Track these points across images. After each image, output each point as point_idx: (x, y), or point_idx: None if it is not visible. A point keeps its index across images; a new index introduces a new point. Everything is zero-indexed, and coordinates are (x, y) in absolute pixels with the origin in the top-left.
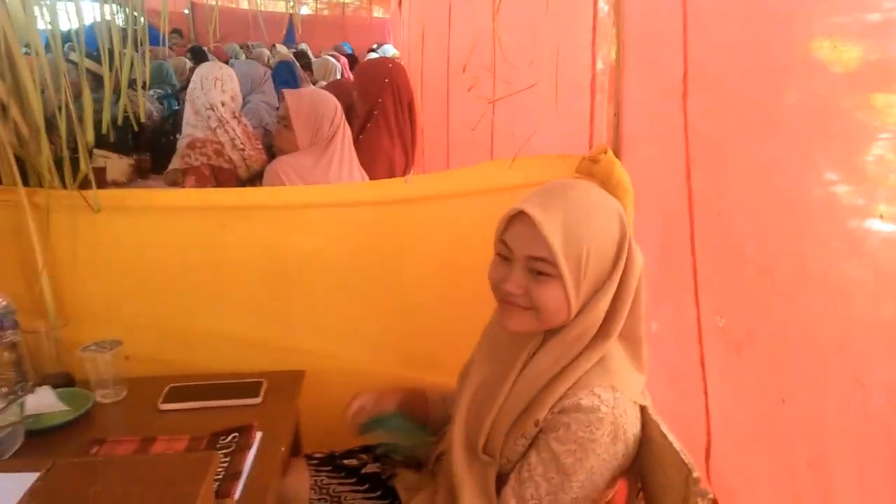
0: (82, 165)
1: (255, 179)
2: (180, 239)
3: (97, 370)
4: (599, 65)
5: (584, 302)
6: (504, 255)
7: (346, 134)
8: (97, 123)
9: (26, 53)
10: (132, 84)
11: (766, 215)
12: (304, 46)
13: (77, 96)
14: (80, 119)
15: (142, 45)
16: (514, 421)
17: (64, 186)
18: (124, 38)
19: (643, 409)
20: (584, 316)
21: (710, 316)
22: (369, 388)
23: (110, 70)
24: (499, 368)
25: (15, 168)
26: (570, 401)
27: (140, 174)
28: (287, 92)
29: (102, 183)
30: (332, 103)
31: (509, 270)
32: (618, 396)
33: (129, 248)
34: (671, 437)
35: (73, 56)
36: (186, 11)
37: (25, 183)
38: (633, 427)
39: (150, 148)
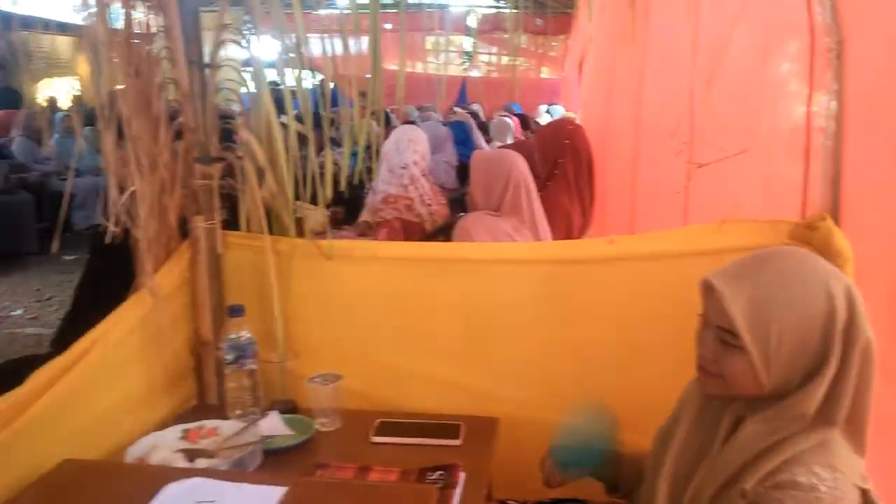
0: (320, 217)
1: (438, 233)
2: (395, 286)
3: (319, 400)
4: (813, 125)
5: (787, 378)
6: (704, 319)
7: (530, 193)
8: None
9: None
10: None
11: None
12: (476, 107)
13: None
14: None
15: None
16: (719, 488)
17: (300, 236)
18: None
19: (864, 493)
20: (798, 398)
21: None
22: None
23: (317, 131)
24: (702, 433)
25: (265, 220)
26: (785, 476)
27: (334, 225)
28: (475, 153)
29: (302, 232)
30: (512, 163)
31: (705, 335)
32: (838, 477)
33: (351, 292)
34: None
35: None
36: (368, 76)
37: (269, 231)
38: None
39: (340, 201)
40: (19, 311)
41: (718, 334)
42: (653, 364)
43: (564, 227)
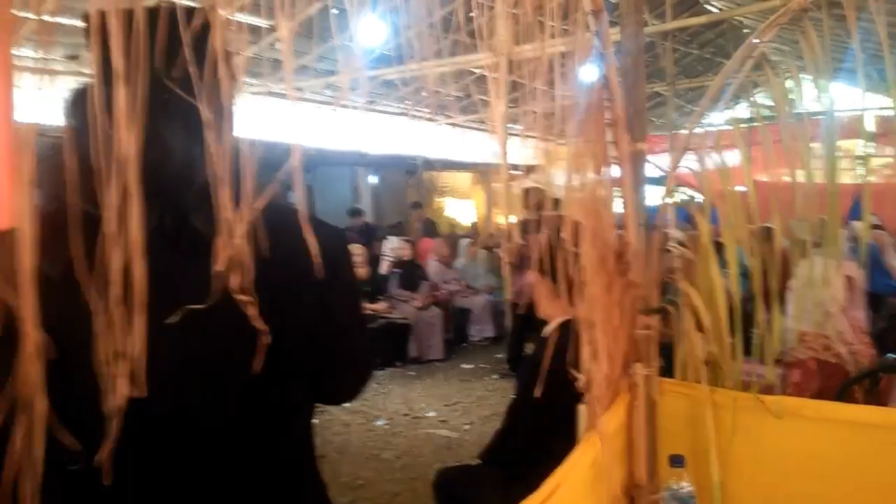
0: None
1: (864, 377)
2: (847, 456)
3: None
4: None
5: None
6: None
7: None
8: None
9: None
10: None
11: None
12: (875, 219)
13: None
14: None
15: None
16: None
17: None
18: None
19: None
20: None
21: None
22: None
23: None
24: None
25: (704, 368)
26: None
27: None
28: None
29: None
30: None
31: None
32: None
33: (792, 455)
34: None
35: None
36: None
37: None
38: None
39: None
40: (432, 414)
41: None
42: None
43: None
